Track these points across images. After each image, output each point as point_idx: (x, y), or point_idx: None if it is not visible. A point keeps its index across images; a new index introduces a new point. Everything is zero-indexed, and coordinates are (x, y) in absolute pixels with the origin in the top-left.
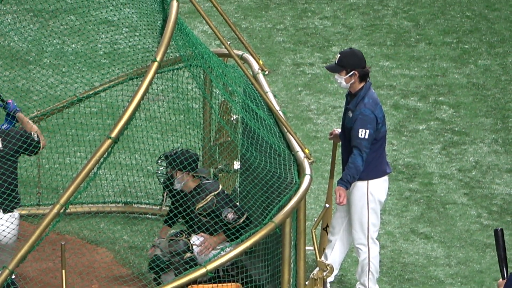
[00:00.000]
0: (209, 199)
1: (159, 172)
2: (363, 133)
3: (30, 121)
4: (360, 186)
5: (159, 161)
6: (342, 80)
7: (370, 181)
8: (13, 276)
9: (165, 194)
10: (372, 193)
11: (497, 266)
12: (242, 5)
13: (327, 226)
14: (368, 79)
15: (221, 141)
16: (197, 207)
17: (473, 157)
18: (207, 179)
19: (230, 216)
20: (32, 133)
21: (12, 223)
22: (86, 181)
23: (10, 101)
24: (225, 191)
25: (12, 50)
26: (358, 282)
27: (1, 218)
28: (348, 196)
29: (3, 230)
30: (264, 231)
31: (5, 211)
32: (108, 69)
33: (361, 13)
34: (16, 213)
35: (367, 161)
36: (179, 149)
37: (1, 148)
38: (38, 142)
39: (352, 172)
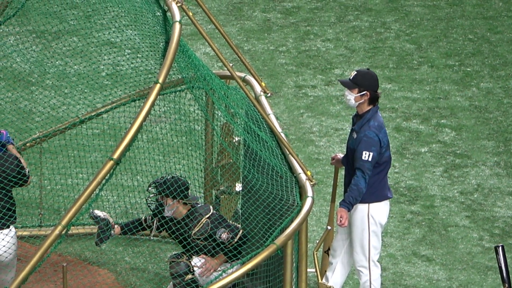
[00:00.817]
0: (203, 224)
1: (149, 199)
2: (366, 155)
3: (20, 156)
4: (361, 209)
5: (149, 189)
6: (351, 98)
7: (371, 204)
8: None
9: (155, 222)
10: (373, 216)
11: None
12: (244, 27)
13: (329, 249)
14: (377, 103)
15: (223, 163)
16: (192, 233)
17: (475, 179)
18: (197, 203)
19: (224, 236)
20: (24, 165)
21: (8, 241)
22: (88, 202)
23: (3, 131)
24: (216, 212)
25: (14, 71)
26: None
27: None
28: (349, 219)
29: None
30: (265, 253)
31: (1, 228)
32: (110, 90)
33: (363, 36)
34: (12, 231)
35: (369, 184)
36: (169, 176)
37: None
38: (28, 177)
39: (355, 194)
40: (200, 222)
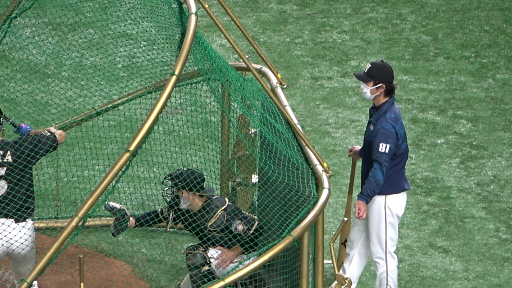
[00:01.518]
0: (218, 215)
1: (165, 192)
2: (383, 147)
3: (43, 129)
4: (378, 201)
5: (164, 182)
6: (367, 91)
7: (388, 196)
8: None
9: (171, 214)
10: (390, 207)
11: None
12: (260, 19)
13: (346, 240)
14: (393, 95)
15: (239, 154)
16: (208, 225)
17: (491, 171)
18: (213, 195)
19: (240, 227)
20: (42, 132)
21: (25, 233)
22: (104, 194)
23: (22, 125)
24: (232, 204)
25: (30, 63)
26: None
27: (13, 229)
28: (366, 210)
29: (16, 241)
30: (282, 244)
31: (17, 221)
32: (126, 82)
33: (379, 27)
34: (29, 223)
35: (386, 176)
36: (184, 169)
37: (12, 161)
38: (54, 137)
39: (373, 186)
40: (216, 214)
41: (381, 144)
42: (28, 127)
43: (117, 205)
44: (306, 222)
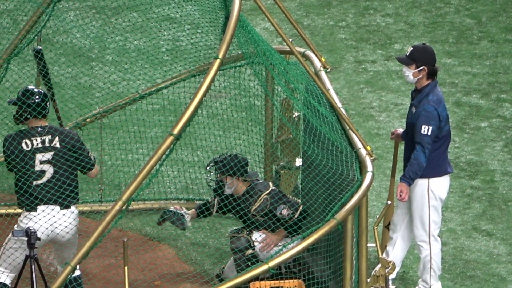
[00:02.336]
0: (262, 200)
1: (209, 178)
2: (425, 130)
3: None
4: (421, 184)
5: (208, 168)
6: (410, 74)
7: (431, 179)
8: (78, 273)
9: (215, 200)
10: (433, 190)
11: None
12: (304, 2)
13: (389, 223)
14: (435, 78)
15: (283, 138)
16: (252, 209)
17: None
18: (257, 180)
19: (285, 212)
20: (90, 153)
21: (69, 219)
22: (148, 178)
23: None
24: (276, 188)
25: (74, 47)
26: (420, 279)
27: (58, 215)
28: (409, 193)
29: (60, 226)
30: (326, 228)
31: (62, 207)
32: (170, 66)
33: (423, 11)
34: (73, 210)
35: (429, 159)
36: (228, 155)
37: (59, 147)
38: (92, 165)
39: (415, 169)
40: (260, 198)
41: (423, 126)
42: None
43: (172, 208)
44: (350, 206)
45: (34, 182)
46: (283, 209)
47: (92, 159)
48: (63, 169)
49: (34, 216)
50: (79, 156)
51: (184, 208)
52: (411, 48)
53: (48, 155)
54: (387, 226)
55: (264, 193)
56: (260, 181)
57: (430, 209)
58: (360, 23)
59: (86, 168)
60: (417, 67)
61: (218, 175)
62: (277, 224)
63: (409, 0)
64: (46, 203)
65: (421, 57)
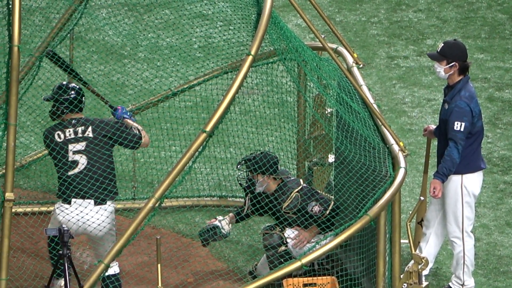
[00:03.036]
0: (293, 197)
1: (239, 177)
2: (458, 126)
3: (137, 125)
4: (454, 180)
5: (238, 166)
6: (441, 70)
7: (465, 175)
8: (117, 270)
9: (247, 198)
10: (466, 187)
11: None
12: None
13: (422, 220)
14: (467, 73)
15: (316, 134)
16: (283, 207)
17: None
18: (288, 177)
19: (316, 208)
20: (132, 127)
21: (103, 216)
22: (181, 175)
23: (119, 107)
24: (307, 186)
25: (107, 44)
26: (453, 275)
27: (91, 211)
28: (443, 190)
29: (93, 223)
30: (359, 224)
31: (96, 203)
32: (202, 63)
33: (455, 6)
34: (108, 206)
35: (462, 155)
36: (259, 152)
37: (92, 137)
38: (139, 138)
39: (448, 165)
40: (291, 195)
41: (456, 123)
42: (125, 111)
43: (205, 226)
44: (382, 202)
45: (68, 172)
46: (314, 206)
47: (136, 132)
48: (96, 160)
49: (66, 209)
50: (120, 137)
51: (218, 217)
52: (442, 44)
53: (80, 146)
54: (420, 222)
55: (295, 190)
56: (291, 178)
57: (463, 206)
58: (392, 19)
59: (133, 142)
60: (448, 63)
61: (249, 173)
62: (310, 220)
63: None
64: (80, 196)
65: (452, 53)
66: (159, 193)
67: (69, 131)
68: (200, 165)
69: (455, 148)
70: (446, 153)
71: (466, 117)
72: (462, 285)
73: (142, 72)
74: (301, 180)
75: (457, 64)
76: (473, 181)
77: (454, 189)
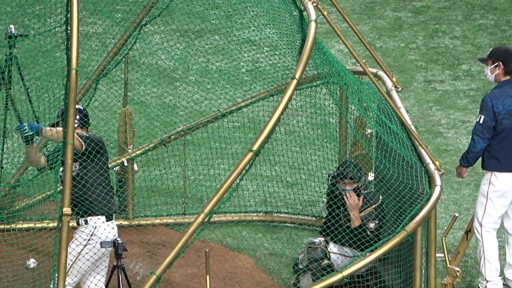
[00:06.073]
0: (368, 211)
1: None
2: (478, 118)
3: (50, 129)
4: (485, 175)
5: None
6: (488, 71)
7: (494, 173)
8: None
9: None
10: (493, 184)
11: None
12: (376, 25)
13: (470, 230)
14: None
15: (357, 154)
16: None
17: None
18: (370, 190)
19: (372, 225)
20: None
21: (82, 231)
22: (229, 191)
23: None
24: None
25: (159, 68)
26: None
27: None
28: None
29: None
30: (397, 239)
31: (77, 216)
32: (250, 86)
33: (489, 33)
34: (90, 220)
35: (493, 153)
36: (349, 162)
37: (83, 151)
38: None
39: (466, 151)
40: (367, 209)
41: (479, 115)
42: (33, 126)
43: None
44: (419, 218)
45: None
46: (371, 223)
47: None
48: (87, 174)
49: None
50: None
51: (316, 238)
52: (491, 48)
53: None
54: (467, 233)
55: (374, 205)
56: (373, 191)
57: (487, 200)
58: (429, 45)
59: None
60: (493, 63)
61: (344, 183)
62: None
63: (475, 23)
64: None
65: (497, 53)
66: (208, 208)
67: None
68: (247, 183)
69: (472, 139)
70: None
71: (486, 111)
72: (486, 281)
73: (193, 95)
74: (380, 196)
75: (501, 63)
76: (501, 180)
77: (483, 183)
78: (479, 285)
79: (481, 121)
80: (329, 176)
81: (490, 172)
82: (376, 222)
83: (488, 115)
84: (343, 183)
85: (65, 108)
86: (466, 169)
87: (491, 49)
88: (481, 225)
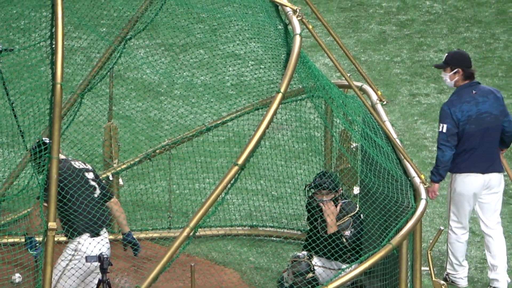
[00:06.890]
0: (345, 220)
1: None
2: (440, 127)
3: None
4: (449, 177)
5: (310, 188)
6: (447, 77)
7: (453, 174)
8: None
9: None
10: (454, 185)
11: None
12: (361, 39)
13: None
14: (473, 80)
15: (342, 167)
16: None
17: None
18: (345, 198)
19: (347, 233)
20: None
21: (67, 246)
22: (214, 205)
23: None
24: (360, 213)
25: (144, 82)
26: None
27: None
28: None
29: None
30: (382, 252)
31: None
32: (235, 100)
33: (474, 46)
34: (68, 246)
35: (455, 156)
36: (324, 172)
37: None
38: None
39: (435, 166)
40: (343, 218)
41: (440, 125)
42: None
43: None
44: (405, 231)
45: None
46: (347, 231)
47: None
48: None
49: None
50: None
51: (300, 252)
52: (446, 54)
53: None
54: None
55: (350, 214)
56: (347, 200)
57: (450, 201)
58: (414, 59)
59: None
60: (451, 70)
61: (321, 194)
62: (341, 246)
63: (460, 36)
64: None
65: (454, 60)
66: (194, 222)
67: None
68: (232, 196)
69: (438, 150)
70: None
71: (448, 119)
72: (447, 274)
73: (178, 109)
74: (357, 205)
75: (460, 70)
76: (460, 181)
77: (448, 184)
78: (445, 274)
79: (444, 130)
80: (305, 187)
81: (451, 174)
82: (352, 230)
83: (450, 123)
84: (321, 194)
85: (50, 122)
86: (438, 186)
87: (446, 54)
88: (448, 223)
